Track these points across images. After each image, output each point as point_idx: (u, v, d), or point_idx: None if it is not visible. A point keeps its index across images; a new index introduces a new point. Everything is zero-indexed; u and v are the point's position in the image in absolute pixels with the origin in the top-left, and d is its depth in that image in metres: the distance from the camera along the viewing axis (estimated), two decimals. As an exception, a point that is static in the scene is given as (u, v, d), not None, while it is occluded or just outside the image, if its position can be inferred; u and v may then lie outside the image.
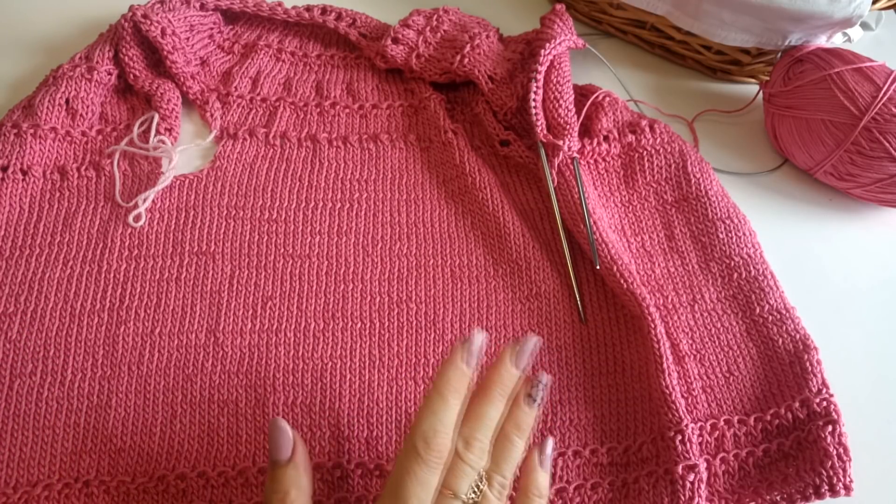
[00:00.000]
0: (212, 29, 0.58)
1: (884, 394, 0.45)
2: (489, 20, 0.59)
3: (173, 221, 0.47)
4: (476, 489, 0.33)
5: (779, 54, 0.55)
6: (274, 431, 0.34)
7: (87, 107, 0.51)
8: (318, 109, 0.55)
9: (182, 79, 0.54)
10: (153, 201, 0.48)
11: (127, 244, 0.46)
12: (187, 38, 0.55)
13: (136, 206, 0.47)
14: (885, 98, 0.46)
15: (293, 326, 0.44)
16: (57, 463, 0.39)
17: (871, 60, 0.48)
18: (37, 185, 0.48)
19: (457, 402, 0.33)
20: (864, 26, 0.59)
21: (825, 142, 0.49)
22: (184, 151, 0.51)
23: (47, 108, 0.49)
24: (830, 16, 0.49)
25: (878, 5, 0.53)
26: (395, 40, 0.55)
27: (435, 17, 0.57)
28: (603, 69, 0.59)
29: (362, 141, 0.53)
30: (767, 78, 0.57)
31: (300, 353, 0.43)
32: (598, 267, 0.44)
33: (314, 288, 0.45)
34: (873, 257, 0.51)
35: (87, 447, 0.39)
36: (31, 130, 0.48)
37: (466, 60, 0.53)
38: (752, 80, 0.59)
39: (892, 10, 0.62)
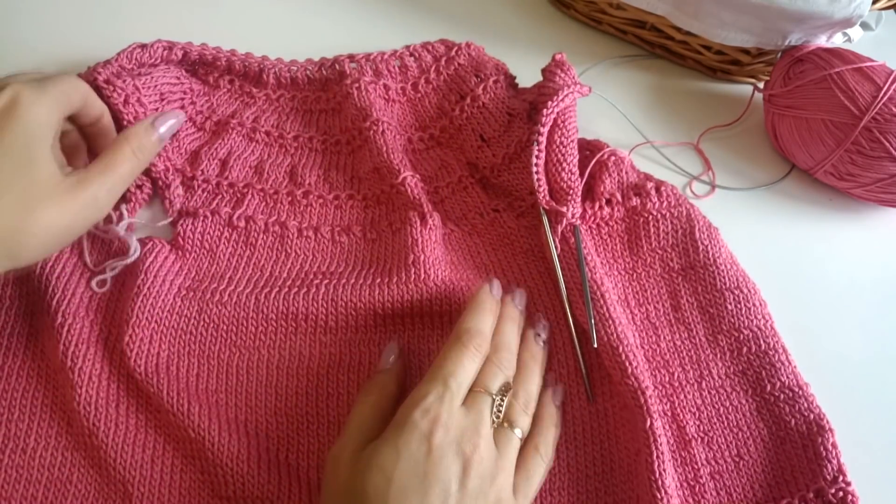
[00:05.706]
0: (183, 99, 0.51)
1: (884, 394, 0.45)
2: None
3: (123, 288, 0.44)
4: (503, 399, 0.38)
5: (779, 54, 0.55)
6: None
7: None
8: (290, 198, 0.50)
9: None
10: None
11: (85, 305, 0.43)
12: (155, 109, 0.49)
13: (103, 271, 0.44)
14: (885, 98, 0.46)
15: (243, 422, 0.41)
16: None
17: (872, 60, 0.48)
18: None
19: (493, 315, 0.40)
20: (864, 26, 0.59)
21: (825, 141, 0.49)
22: (142, 227, 0.48)
23: None
24: (830, 16, 0.49)
25: (878, 5, 0.53)
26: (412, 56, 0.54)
27: (455, 48, 0.54)
28: (610, 109, 0.55)
29: (334, 233, 0.49)
30: (767, 78, 0.56)
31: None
32: (594, 346, 0.42)
33: (263, 383, 0.43)
34: (873, 257, 0.51)
35: None
36: None
37: (465, 115, 0.51)
38: (752, 80, 0.59)
39: (892, 10, 0.62)
